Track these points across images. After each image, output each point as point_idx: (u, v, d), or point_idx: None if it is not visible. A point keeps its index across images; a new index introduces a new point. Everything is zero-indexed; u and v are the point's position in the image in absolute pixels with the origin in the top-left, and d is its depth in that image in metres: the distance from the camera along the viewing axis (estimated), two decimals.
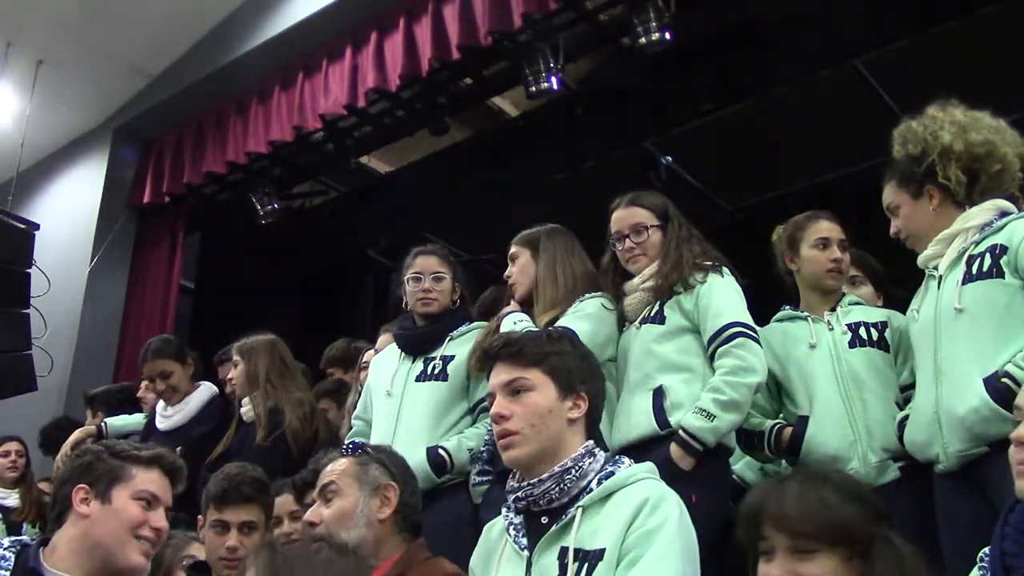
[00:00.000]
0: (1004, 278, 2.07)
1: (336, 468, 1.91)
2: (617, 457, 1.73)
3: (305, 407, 3.10)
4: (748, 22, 4.53)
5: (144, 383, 3.76)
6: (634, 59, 4.60)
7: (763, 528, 1.31)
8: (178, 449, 3.38)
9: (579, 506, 1.61)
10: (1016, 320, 2.04)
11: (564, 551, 1.59)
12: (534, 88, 4.55)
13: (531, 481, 1.67)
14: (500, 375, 1.76)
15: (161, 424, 3.54)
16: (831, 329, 2.50)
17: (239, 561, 2.30)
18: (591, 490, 1.63)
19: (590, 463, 1.67)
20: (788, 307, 2.64)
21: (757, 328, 2.37)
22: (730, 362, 2.27)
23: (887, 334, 2.47)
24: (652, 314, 2.47)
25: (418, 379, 2.77)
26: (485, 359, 1.88)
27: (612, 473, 1.65)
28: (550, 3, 4.22)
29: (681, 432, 2.23)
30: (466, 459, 2.61)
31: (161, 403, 3.62)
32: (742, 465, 2.73)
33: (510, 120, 5.76)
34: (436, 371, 2.76)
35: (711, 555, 2.40)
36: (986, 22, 4.16)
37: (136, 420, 3.77)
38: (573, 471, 1.65)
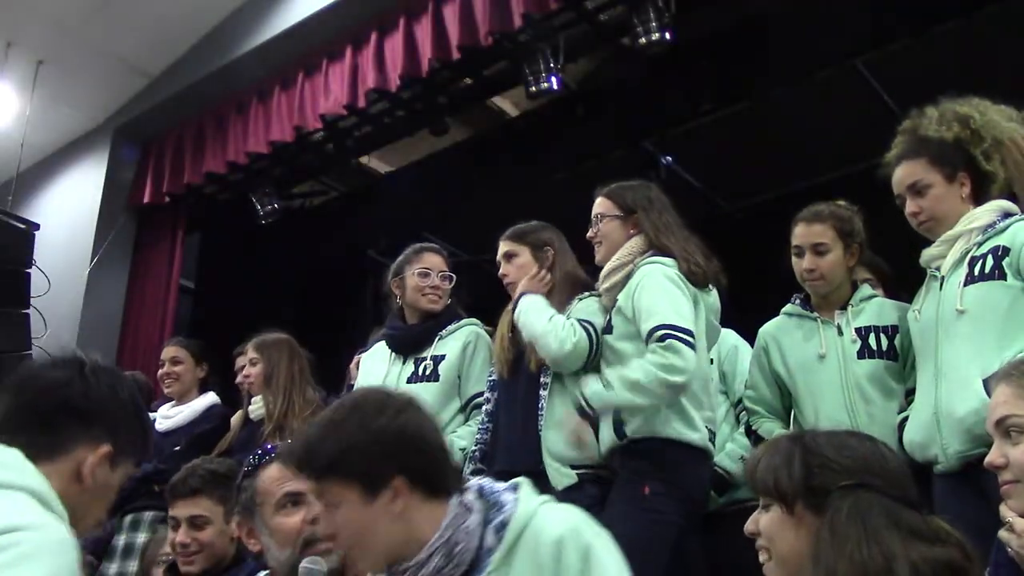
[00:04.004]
0: (1006, 280, 2.07)
1: None
2: (482, 487, 1.47)
3: (314, 406, 3.07)
4: (748, 22, 4.53)
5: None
6: (634, 59, 4.60)
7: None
8: (177, 448, 3.41)
9: (489, 573, 1.36)
10: (1017, 322, 2.03)
11: None
12: (534, 88, 4.55)
13: (411, 565, 1.39)
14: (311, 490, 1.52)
15: (161, 425, 3.54)
16: (841, 334, 2.45)
17: (196, 554, 2.20)
18: (487, 548, 1.38)
19: (470, 520, 1.40)
20: (798, 298, 2.60)
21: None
22: (653, 357, 2.30)
23: (897, 340, 2.41)
24: (606, 324, 2.52)
25: (409, 381, 2.78)
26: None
27: (504, 523, 1.39)
28: (550, 3, 4.22)
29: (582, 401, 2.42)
30: (459, 459, 2.62)
31: (166, 405, 3.63)
32: (723, 456, 2.73)
33: (510, 120, 5.76)
34: (427, 372, 2.77)
35: (681, 547, 2.41)
36: (987, 22, 4.15)
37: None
38: (461, 536, 1.39)
